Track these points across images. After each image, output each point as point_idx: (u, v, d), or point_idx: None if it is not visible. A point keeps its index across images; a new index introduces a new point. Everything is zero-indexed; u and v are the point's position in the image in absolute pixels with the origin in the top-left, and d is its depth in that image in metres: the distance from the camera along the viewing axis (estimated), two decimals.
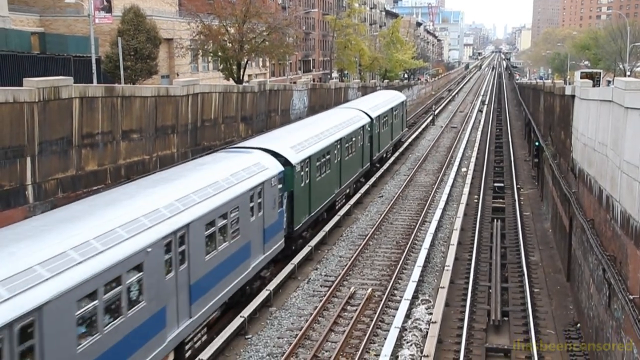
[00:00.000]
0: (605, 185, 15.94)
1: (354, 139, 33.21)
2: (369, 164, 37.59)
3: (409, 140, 58.45)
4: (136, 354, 13.73)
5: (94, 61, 31.94)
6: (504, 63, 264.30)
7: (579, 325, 19.39)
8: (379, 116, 40.27)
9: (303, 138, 26.68)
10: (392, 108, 45.63)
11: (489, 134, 64.28)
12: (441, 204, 33.30)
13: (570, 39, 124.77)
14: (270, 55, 49.63)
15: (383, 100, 45.74)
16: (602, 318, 15.51)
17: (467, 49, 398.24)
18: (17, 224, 14.02)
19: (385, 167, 43.01)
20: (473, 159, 47.57)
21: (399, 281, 23.14)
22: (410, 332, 18.73)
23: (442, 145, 58.42)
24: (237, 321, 18.65)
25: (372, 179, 38.90)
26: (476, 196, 36.30)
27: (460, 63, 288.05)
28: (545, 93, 37.85)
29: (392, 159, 46.82)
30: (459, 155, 50.08)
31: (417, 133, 63.89)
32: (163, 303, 14.81)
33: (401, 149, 51.78)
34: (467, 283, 22.67)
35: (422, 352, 16.98)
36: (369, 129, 37.09)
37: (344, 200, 32.54)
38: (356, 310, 20.34)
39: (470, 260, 25.08)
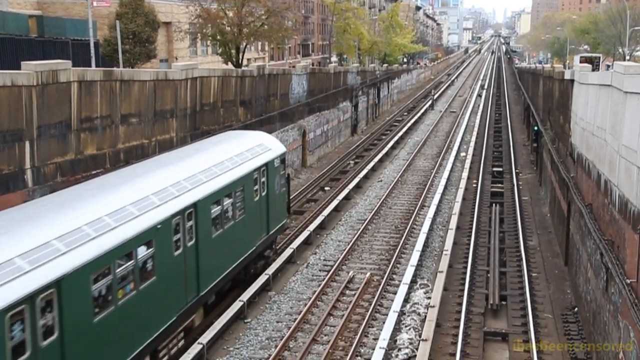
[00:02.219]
0: (603, 169, 15.95)
1: None
2: None
3: (409, 124, 58.38)
4: None
5: (92, 45, 31.72)
6: (504, 47, 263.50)
7: (576, 309, 19.49)
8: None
9: None
10: (195, 204, 16.19)
11: (488, 118, 64.25)
12: (440, 189, 33.34)
13: (569, 23, 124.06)
14: (269, 39, 49.25)
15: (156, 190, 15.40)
16: (600, 302, 15.59)
17: (467, 33, 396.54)
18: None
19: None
20: (472, 144, 47.57)
21: (398, 265, 23.22)
22: (408, 316, 18.82)
23: (441, 129, 58.38)
24: (236, 305, 18.73)
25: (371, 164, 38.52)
26: (475, 181, 36.34)
27: (460, 47, 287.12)
28: (545, 77, 37.74)
29: None
30: (458, 139, 50.06)
31: (416, 117, 63.87)
32: None
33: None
34: (466, 267, 22.75)
35: (420, 336, 17.07)
36: None
37: None
38: (355, 294, 20.42)
39: (469, 244, 25.15)
